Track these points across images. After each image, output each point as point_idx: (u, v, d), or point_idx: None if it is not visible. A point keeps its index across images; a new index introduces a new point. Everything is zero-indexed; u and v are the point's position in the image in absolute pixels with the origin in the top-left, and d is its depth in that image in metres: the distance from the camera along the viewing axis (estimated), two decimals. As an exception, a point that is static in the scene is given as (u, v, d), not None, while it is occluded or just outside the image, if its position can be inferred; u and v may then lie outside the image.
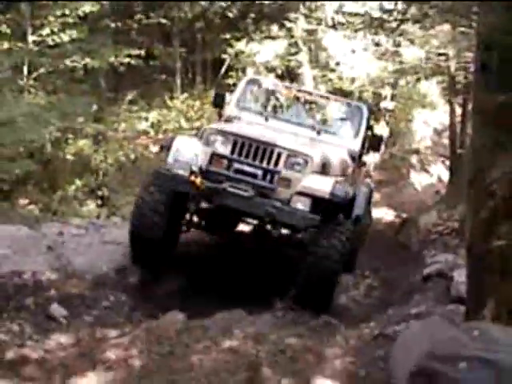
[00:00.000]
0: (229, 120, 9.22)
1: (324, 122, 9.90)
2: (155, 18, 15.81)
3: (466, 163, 11.79)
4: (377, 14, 12.46)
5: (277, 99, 10.08)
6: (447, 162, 18.34)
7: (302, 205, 7.53)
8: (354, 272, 9.99)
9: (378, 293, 9.69)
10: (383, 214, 15.87)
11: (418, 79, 18.76)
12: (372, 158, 20.30)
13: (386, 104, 20.28)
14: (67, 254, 8.00)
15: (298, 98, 9.98)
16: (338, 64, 18.21)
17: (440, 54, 14.88)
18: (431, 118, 22.04)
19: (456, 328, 1.18)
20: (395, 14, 11.62)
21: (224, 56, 18.03)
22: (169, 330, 6.45)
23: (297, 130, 9.10)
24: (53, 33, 14.57)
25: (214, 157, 7.78)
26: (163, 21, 16.00)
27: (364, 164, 10.60)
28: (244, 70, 18.15)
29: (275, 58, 17.95)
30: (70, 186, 12.67)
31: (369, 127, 10.12)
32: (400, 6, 11.69)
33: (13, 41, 14.38)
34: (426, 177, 20.59)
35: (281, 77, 17.99)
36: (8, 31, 14.35)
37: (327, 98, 10.22)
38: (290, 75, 18.22)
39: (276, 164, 7.70)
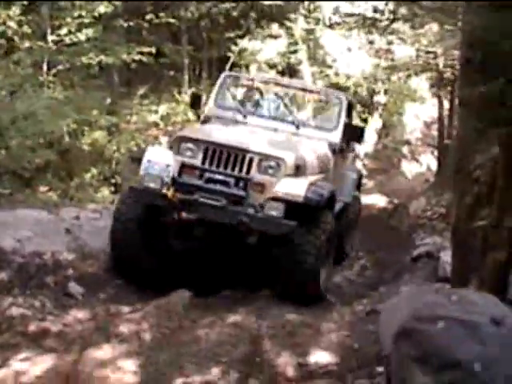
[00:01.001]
0: (206, 120, 8.63)
1: (303, 115, 9.23)
2: (164, 18, 15.76)
3: (451, 153, 11.84)
4: (370, 14, 12.45)
5: (255, 95, 9.39)
6: (436, 153, 18.33)
7: (275, 211, 6.77)
8: (346, 258, 9.73)
9: (370, 272, 9.71)
10: (376, 200, 15.87)
11: (409, 75, 18.76)
12: (365, 148, 20.37)
13: (379, 98, 20.27)
14: (83, 236, 8.02)
15: (276, 93, 9.17)
16: (334, 61, 18.19)
17: (429, 52, 14.91)
18: (421, 112, 22.00)
19: (437, 294, 1.21)
20: (386, 13, 11.60)
21: (229, 54, 17.99)
22: (177, 306, 6.49)
23: (276, 126, 8.46)
24: (70, 32, 14.52)
25: (185, 167, 7.17)
26: (172, 20, 15.95)
27: (353, 150, 10.17)
28: (247, 67, 18.14)
29: (276, 56, 17.95)
30: (85, 173, 12.68)
31: (350, 117, 9.51)
32: (391, 6, 11.66)
33: (33, 40, 14.36)
34: (416, 166, 20.60)
35: (281, 73, 18.00)
36: (29, 31, 14.32)
37: (305, 89, 9.47)
38: (290, 71, 18.21)
39: (249, 169, 7.06)
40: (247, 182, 7.01)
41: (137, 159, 7.39)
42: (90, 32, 14.44)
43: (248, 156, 7.04)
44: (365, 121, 20.33)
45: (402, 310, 1.29)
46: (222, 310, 6.56)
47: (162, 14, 15.78)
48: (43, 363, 5.18)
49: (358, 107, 20.04)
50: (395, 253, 10.35)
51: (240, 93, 9.47)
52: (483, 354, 1.08)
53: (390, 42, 16.11)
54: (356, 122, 19.61)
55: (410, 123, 22.00)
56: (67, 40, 14.53)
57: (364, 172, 19.25)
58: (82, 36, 14.49)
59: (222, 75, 9.21)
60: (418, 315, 1.21)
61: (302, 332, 6.24)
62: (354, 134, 8.78)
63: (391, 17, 11.21)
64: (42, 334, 5.62)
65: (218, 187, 7.01)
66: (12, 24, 14.30)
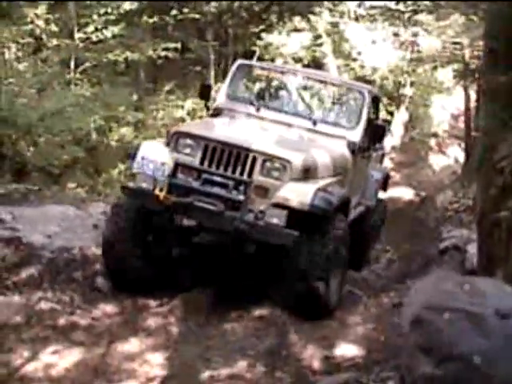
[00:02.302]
0: (216, 113, 7.81)
1: (321, 110, 8.23)
2: (189, 14, 15.80)
3: (478, 144, 11.72)
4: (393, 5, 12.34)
5: (270, 86, 8.59)
6: (463, 145, 18.16)
7: (276, 219, 6.03)
8: (366, 266, 8.98)
9: (397, 265, 9.69)
10: (403, 193, 15.78)
11: (435, 67, 18.60)
12: (391, 141, 20.26)
13: (406, 91, 20.12)
14: (111, 231, 8.06)
15: (293, 83, 8.18)
16: (359, 54, 18.08)
17: (455, 43, 14.76)
18: (448, 104, 21.80)
19: (453, 281, 1.21)
20: (409, 4, 11.46)
21: (254, 48, 17.99)
22: (203, 300, 6.52)
23: (291, 121, 7.59)
24: (96, 30, 14.66)
25: (181, 166, 6.39)
26: (197, 16, 15.99)
27: (379, 149, 9.17)
28: (273, 61, 18.11)
29: (301, 49, 17.89)
30: (113, 169, 12.76)
31: (376, 114, 8.79)
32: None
33: (61, 38, 14.51)
34: (444, 158, 20.40)
35: (307, 66, 17.93)
36: (56, 29, 14.47)
37: (326, 82, 8.28)
38: (315, 65, 18.13)
39: (251, 170, 6.24)
40: (248, 185, 6.20)
41: (131, 156, 6.59)
42: (115, 29, 14.56)
43: (251, 155, 6.25)
44: (391, 114, 20.21)
45: (420, 297, 1.29)
46: (248, 304, 6.55)
47: (186, 10, 15.80)
48: (72, 356, 5.25)
49: (385, 100, 19.94)
50: (422, 245, 10.31)
51: (254, 84, 8.66)
52: (486, 347, 1.08)
53: (415, 34, 16.00)
54: (382, 116, 19.60)
55: (436, 115, 21.80)
56: (94, 37, 14.67)
57: (390, 165, 19.19)
58: (108, 33, 14.62)
59: (235, 64, 8.36)
60: (428, 304, 1.21)
61: (328, 325, 6.26)
62: (375, 132, 7.79)
63: (414, 8, 11.07)
64: (70, 328, 5.70)
65: (216, 190, 6.24)
66: (40, 23, 14.47)
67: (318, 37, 17.93)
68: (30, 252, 6.80)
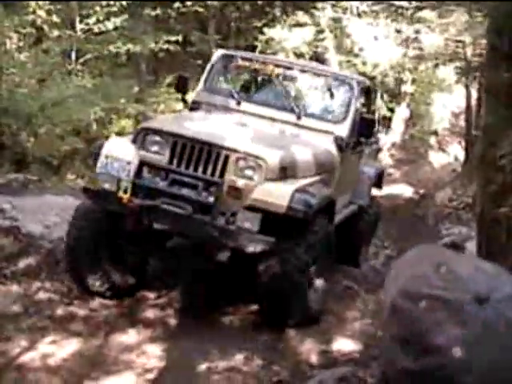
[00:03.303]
0: (195, 107, 7.34)
1: (306, 102, 7.73)
2: (191, 7, 15.81)
3: (479, 142, 11.74)
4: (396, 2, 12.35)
5: (252, 77, 8.15)
6: (463, 143, 18.18)
7: (248, 223, 5.50)
8: (361, 264, 8.58)
9: (395, 261, 9.68)
10: (403, 190, 15.80)
11: (437, 65, 18.61)
12: (392, 138, 20.26)
13: (407, 88, 20.11)
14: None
15: (277, 75, 7.53)
16: (361, 50, 18.06)
17: (457, 41, 14.76)
18: (449, 101, 21.78)
19: (430, 262, 1.18)
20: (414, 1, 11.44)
21: (256, 42, 17.98)
22: (201, 293, 6.53)
23: (274, 115, 7.06)
24: (98, 21, 14.65)
25: (146, 165, 5.90)
26: (199, 9, 15.99)
27: (373, 144, 8.64)
28: (275, 54, 18.14)
29: (303, 44, 17.88)
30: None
31: (369, 106, 8.40)
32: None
33: (62, 29, 14.50)
34: (444, 156, 20.41)
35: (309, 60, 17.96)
36: (58, 20, 14.45)
37: (312, 72, 7.65)
38: (317, 60, 18.14)
39: (223, 170, 5.72)
40: (219, 187, 5.68)
41: (94, 154, 6.01)
42: (117, 21, 14.55)
43: (223, 153, 5.72)
44: (392, 110, 20.20)
45: (397, 284, 1.27)
46: (245, 298, 6.56)
47: (188, 3, 15.78)
48: (69, 346, 5.27)
49: (386, 97, 19.94)
50: (421, 242, 10.24)
51: (235, 75, 8.18)
52: (464, 337, 1.07)
53: (417, 31, 16.00)
54: (383, 112, 19.60)
55: (437, 113, 21.78)
56: (95, 29, 14.65)
57: (391, 162, 19.20)
58: (110, 25, 14.60)
59: (216, 54, 7.83)
60: (404, 291, 1.19)
61: (327, 319, 6.28)
62: (363, 127, 7.05)
63: (418, 5, 11.05)
64: (68, 318, 5.71)
65: (185, 191, 5.74)
66: (41, 13, 14.45)
67: (320, 32, 17.92)
68: (29, 242, 6.82)
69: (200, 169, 5.77)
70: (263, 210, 5.54)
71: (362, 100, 8.50)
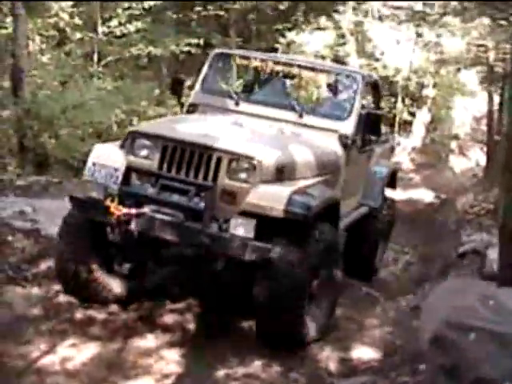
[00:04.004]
0: (192, 109, 7.01)
1: (309, 100, 7.52)
2: (213, 10, 15.81)
3: (501, 149, 11.63)
4: (419, 7, 12.26)
5: (251, 76, 7.85)
6: (485, 148, 18.04)
7: (243, 229, 5.17)
8: (376, 273, 8.23)
9: (415, 268, 9.60)
10: (423, 194, 15.70)
11: (459, 69, 18.49)
12: (413, 142, 20.17)
13: (428, 92, 20.02)
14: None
15: (277, 73, 7.23)
16: (382, 54, 18.02)
17: (479, 45, 14.65)
18: (470, 106, 21.66)
19: (474, 296, 1.14)
20: (436, 7, 11.34)
21: (277, 45, 17.97)
22: (218, 298, 6.49)
23: (274, 114, 6.71)
24: (120, 24, 14.72)
25: (134, 171, 5.59)
26: (221, 13, 15.99)
27: (384, 142, 8.24)
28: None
29: (324, 48, 17.86)
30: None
31: (377, 103, 8.05)
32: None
33: (84, 31, 14.59)
34: (465, 161, 20.29)
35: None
36: (80, 23, 14.55)
37: (313, 68, 7.22)
38: (338, 64, 18.13)
39: (216, 173, 5.35)
40: (212, 191, 5.32)
41: (82, 161, 6.01)
42: (139, 24, 14.61)
43: (215, 156, 5.36)
44: (413, 114, 20.13)
45: (439, 310, 1.23)
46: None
47: (210, 7, 15.77)
48: (88, 350, 5.27)
49: (407, 100, 19.85)
50: (441, 248, 10.22)
51: (233, 75, 7.73)
52: None
53: (439, 35, 15.90)
54: (402, 115, 19.49)
55: (458, 117, 21.68)
56: (117, 31, 14.72)
57: (411, 166, 19.11)
58: (131, 27, 14.68)
59: (212, 53, 7.42)
60: (450, 322, 1.15)
61: (346, 326, 6.23)
62: (368, 122, 6.72)
63: (441, 11, 10.95)
64: (87, 322, 5.71)
65: (175, 198, 5.42)
66: (64, 15, 14.55)
67: (342, 36, 17.88)
68: (50, 244, 6.82)
69: (191, 173, 5.42)
70: (259, 215, 5.19)
71: (370, 96, 8.30)
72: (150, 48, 14.69)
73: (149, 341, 5.53)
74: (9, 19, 12.49)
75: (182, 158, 5.45)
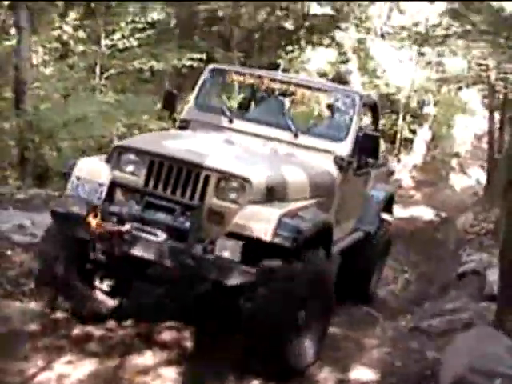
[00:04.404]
0: (184, 125, 6.83)
1: (305, 119, 7.36)
2: (216, 28, 15.88)
3: (501, 168, 11.65)
4: (422, 27, 12.32)
5: (246, 93, 7.65)
6: (485, 166, 18.06)
7: (228, 252, 4.92)
8: (372, 299, 7.99)
9: (415, 287, 9.60)
10: (423, 212, 15.70)
11: (460, 87, 18.54)
12: (413, 159, 20.19)
13: (429, 110, 20.07)
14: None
15: (273, 90, 7.02)
16: (384, 72, 18.08)
17: (480, 65, 14.71)
18: (471, 124, 21.70)
19: (499, 343, 1.12)
20: (438, 30, 11.38)
21: (279, 61, 18.03)
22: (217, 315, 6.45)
23: (269, 133, 6.52)
24: (123, 37, 14.79)
25: (119, 187, 5.43)
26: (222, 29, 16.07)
27: (381, 165, 8.07)
28: (297, 74, 18.20)
29: (327, 64, 17.90)
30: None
31: (375, 124, 7.85)
32: (444, 22, 11.42)
33: (88, 44, 14.65)
34: (465, 179, 20.30)
35: (332, 81, 17.99)
36: (84, 36, 14.61)
37: (310, 87, 7.04)
38: (340, 81, 18.18)
39: (203, 192, 5.16)
40: (198, 211, 5.14)
41: (66, 174, 5.59)
42: (142, 37, 14.67)
43: (203, 174, 5.17)
44: (414, 132, 20.17)
45: (462, 356, 1.21)
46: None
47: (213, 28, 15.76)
48: (85, 367, 5.22)
49: (408, 118, 19.88)
50: (441, 268, 10.23)
51: (228, 91, 7.69)
52: None
53: (440, 54, 15.97)
54: (403, 133, 19.49)
55: (459, 135, 21.71)
56: (120, 45, 14.77)
57: (411, 184, 19.11)
58: (134, 41, 14.73)
59: (207, 69, 7.22)
60: (475, 367, 1.13)
61: (345, 346, 6.20)
62: (365, 145, 6.48)
63: (443, 32, 11.00)
64: (85, 338, 5.67)
65: (160, 216, 5.23)
66: (67, 28, 14.62)
67: (344, 53, 17.94)
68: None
69: (178, 191, 5.23)
70: (245, 237, 4.94)
71: (368, 116, 8.17)
72: (153, 62, 14.73)
73: (146, 358, 5.49)
74: (12, 31, 12.54)
75: (168, 174, 5.28)
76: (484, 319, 6.41)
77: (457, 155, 21.24)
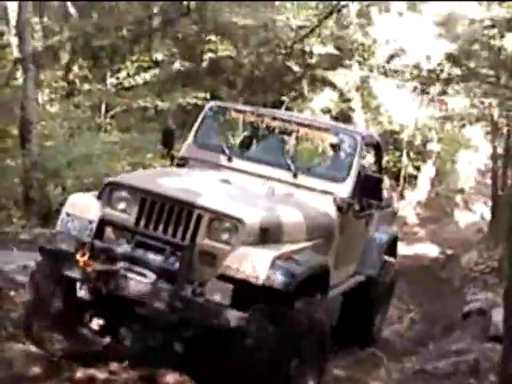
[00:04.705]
0: (182, 163, 6.70)
1: (305, 159, 7.37)
2: (220, 63, 16.02)
3: (504, 206, 11.65)
4: (424, 68, 12.42)
5: (246, 131, 7.57)
6: (489, 202, 18.06)
7: (218, 295, 4.73)
8: (374, 342, 7.77)
9: (420, 327, 9.55)
10: (428, 249, 15.70)
11: (463, 125, 18.64)
12: (417, 196, 20.20)
13: (433, 146, 20.14)
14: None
15: (273, 129, 6.91)
16: (387, 111, 18.23)
17: (483, 102, 14.82)
18: (475, 159, 21.76)
19: None
20: (443, 73, 11.47)
21: (283, 98, 18.18)
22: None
23: (268, 172, 6.39)
24: (129, 75, 14.94)
25: (110, 224, 5.27)
26: (227, 66, 16.21)
27: (384, 208, 7.79)
28: (301, 112, 18.33)
29: (330, 102, 18.03)
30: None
31: (378, 164, 7.75)
32: (446, 67, 11.51)
33: (93, 83, 14.81)
34: (470, 215, 20.29)
35: (335, 119, 18.12)
36: (89, 75, 14.79)
37: (310, 126, 6.93)
38: (343, 118, 18.31)
39: (195, 232, 5.01)
40: (187, 251, 4.98)
41: (56, 211, 5.55)
42: (147, 76, 14.82)
43: (195, 213, 5.03)
44: (418, 168, 20.22)
45: None
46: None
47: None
48: (89, 411, 5.18)
49: (411, 154, 19.95)
50: (446, 307, 10.18)
51: (227, 129, 7.52)
52: None
53: (443, 92, 16.07)
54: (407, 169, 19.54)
55: (463, 171, 21.76)
56: (125, 83, 14.93)
57: (416, 220, 19.11)
58: (139, 80, 14.88)
59: (206, 106, 7.15)
60: None
61: (350, 389, 6.16)
62: (366, 186, 6.39)
63: (445, 75, 11.11)
64: (88, 381, 5.61)
65: (150, 256, 5.07)
66: (74, 68, 14.81)
67: (347, 92, 18.08)
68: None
69: (170, 230, 5.08)
70: (237, 280, 4.76)
71: (371, 157, 8.00)
72: (157, 102, 14.85)
73: (150, 402, 5.45)
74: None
75: (160, 213, 5.13)
76: (490, 361, 6.37)
77: (461, 191, 21.27)
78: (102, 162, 11.75)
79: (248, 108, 7.30)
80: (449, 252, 15.39)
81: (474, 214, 20.41)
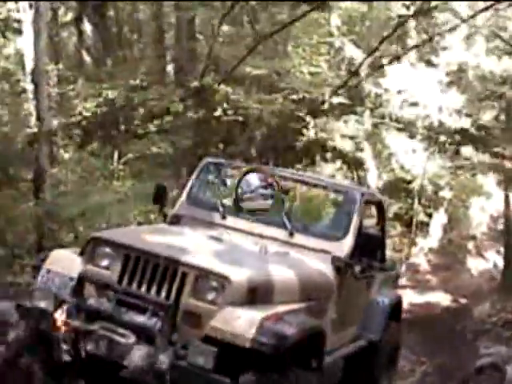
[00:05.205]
0: (175, 221, 6.40)
1: (301, 217, 7.08)
2: (232, 115, 16.09)
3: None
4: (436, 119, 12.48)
5: (241, 188, 7.04)
6: (502, 249, 18.00)
7: (202, 358, 4.43)
8: None
9: (432, 379, 9.47)
10: (440, 298, 15.63)
11: (475, 174, 18.73)
12: (429, 243, 20.16)
13: (445, 194, 20.16)
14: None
15: (270, 185, 6.70)
16: (397, 162, 18.37)
17: (496, 153, 14.91)
18: (487, 205, 21.73)
19: None
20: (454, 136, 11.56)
21: (295, 143, 18.35)
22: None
23: (263, 231, 6.12)
24: (142, 122, 15.12)
25: (91, 282, 5.05)
26: (240, 118, 16.27)
27: (387, 269, 7.47)
28: (314, 157, 18.50)
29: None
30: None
31: (380, 224, 7.28)
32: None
33: (107, 130, 15.00)
34: (482, 262, 20.16)
35: (348, 166, 18.29)
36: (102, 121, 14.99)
37: (307, 183, 6.87)
38: (355, 167, 18.49)
39: (180, 290, 4.79)
40: (169, 311, 4.73)
41: (37, 267, 5.41)
42: (160, 123, 14.99)
43: (180, 270, 4.81)
44: (430, 216, 20.21)
45: None
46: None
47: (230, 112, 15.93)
48: None
49: (423, 201, 19.97)
50: (459, 360, 10.10)
51: (222, 186, 7.11)
52: None
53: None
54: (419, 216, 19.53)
55: (475, 217, 21.72)
56: (138, 130, 15.09)
57: (427, 268, 19.04)
58: (152, 127, 15.05)
59: (202, 162, 6.91)
60: None
61: None
62: (366, 245, 6.08)
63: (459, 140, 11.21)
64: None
65: (131, 315, 4.81)
66: (88, 114, 15.00)
67: (359, 142, 18.24)
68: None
69: (153, 289, 4.86)
70: (222, 343, 4.49)
71: (373, 217, 7.65)
72: (170, 149, 14.97)
73: None
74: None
75: (144, 270, 4.92)
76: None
77: (473, 237, 21.19)
78: (115, 211, 11.82)
79: (244, 165, 7.24)
80: (461, 301, 15.30)
81: (487, 261, 20.29)
